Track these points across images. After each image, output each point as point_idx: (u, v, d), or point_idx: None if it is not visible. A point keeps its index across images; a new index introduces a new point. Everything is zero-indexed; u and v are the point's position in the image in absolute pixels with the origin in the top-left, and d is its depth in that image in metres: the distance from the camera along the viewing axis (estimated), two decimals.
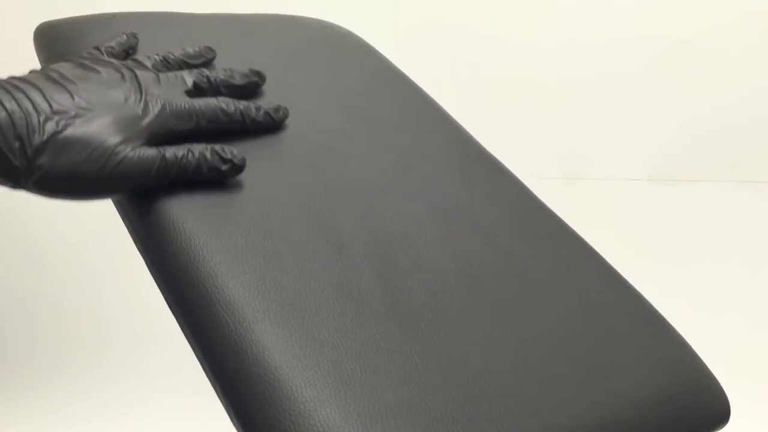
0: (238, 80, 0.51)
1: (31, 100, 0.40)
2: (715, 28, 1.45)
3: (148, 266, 0.43)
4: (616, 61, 1.46)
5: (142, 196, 0.44)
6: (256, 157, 0.49)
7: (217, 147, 0.45)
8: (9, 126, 0.39)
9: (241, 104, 0.49)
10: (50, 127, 0.40)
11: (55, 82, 0.42)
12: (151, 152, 0.43)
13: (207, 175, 0.44)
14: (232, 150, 0.45)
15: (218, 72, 0.51)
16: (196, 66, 0.52)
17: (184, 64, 0.52)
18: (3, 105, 0.39)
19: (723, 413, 0.47)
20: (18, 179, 0.40)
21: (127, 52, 0.51)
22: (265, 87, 0.56)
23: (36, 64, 0.57)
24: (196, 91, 0.49)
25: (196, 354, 0.39)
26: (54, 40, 0.55)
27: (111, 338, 1.50)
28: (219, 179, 0.45)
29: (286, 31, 0.66)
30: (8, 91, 0.40)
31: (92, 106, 0.42)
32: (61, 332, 1.50)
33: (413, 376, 0.39)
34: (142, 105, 0.44)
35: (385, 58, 0.67)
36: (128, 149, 0.42)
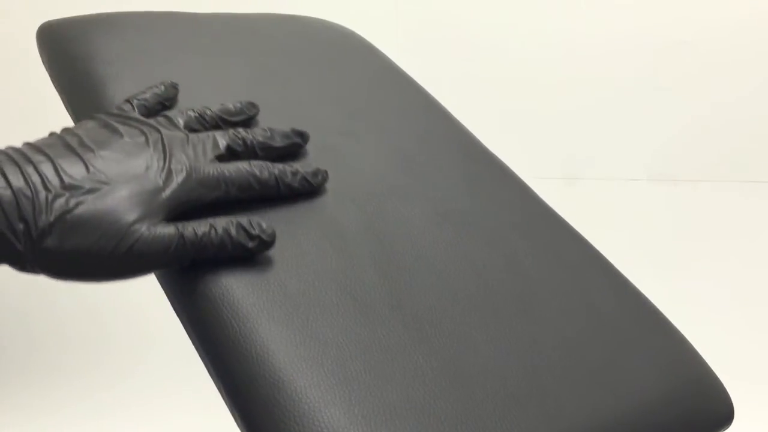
0: (278, 142, 0.47)
1: (40, 175, 0.37)
2: (714, 28, 1.45)
3: None
4: (616, 61, 1.46)
5: None
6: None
7: (244, 221, 0.41)
8: (12, 206, 0.36)
9: (277, 169, 0.45)
10: (59, 205, 0.37)
11: (70, 150, 0.39)
12: (168, 231, 0.39)
13: (231, 253, 0.40)
14: (260, 223, 0.41)
15: (257, 132, 0.46)
16: (234, 123, 0.48)
17: (221, 122, 0.47)
18: (8, 181, 0.36)
19: (727, 414, 0.47)
20: (23, 264, 0.37)
21: (164, 105, 0.48)
22: (266, 87, 0.56)
23: (38, 64, 0.57)
24: (229, 154, 0.44)
25: (200, 354, 0.39)
26: (57, 39, 0.55)
27: (112, 338, 1.50)
28: (245, 256, 0.41)
29: (287, 31, 0.66)
30: (16, 164, 0.37)
31: (108, 179, 0.39)
32: (61, 332, 1.50)
33: (417, 378, 0.38)
34: (164, 174, 0.40)
35: (387, 57, 0.67)
36: (144, 228, 0.38)
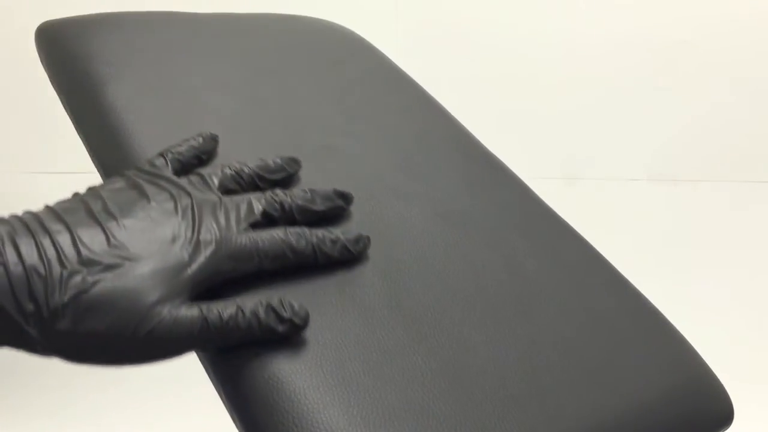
0: (318, 205, 0.43)
1: (56, 248, 0.34)
2: (714, 28, 1.45)
3: None
4: (616, 61, 1.46)
5: None
6: (256, 156, 0.48)
7: (275, 301, 0.37)
8: (23, 284, 0.33)
9: (315, 236, 0.41)
10: (75, 283, 0.34)
11: (92, 218, 0.36)
12: (191, 313, 0.36)
13: (259, 337, 0.37)
14: (292, 305, 0.38)
15: (296, 194, 0.43)
16: (273, 182, 0.45)
17: (259, 180, 0.44)
18: (20, 256, 0.33)
19: (726, 415, 0.47)
20: (33, 346, 0.34)
21: (200, 159, 0.45)
22: (265, 87, 0.56)
23: (37, 64, 0.57)
24: (265, 219, 0.41)
25: (198, 356, 0.39)
26: (55, 39, 0.55)
27: None
28: (274, 340, 0.37)
29: (287, 31, 0.66)
30: (32, 234, 0.34)
31: (130, 254, 0.35)
32: None
33: (417, 379, 0.38)
34: (191, 247, 0.37)
35: (387, 57, 0.67)
36: (165, 310, 0.35)
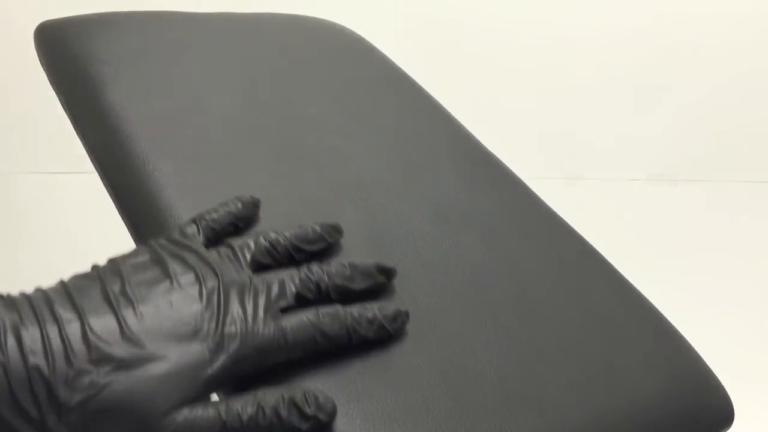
0: (358, 284, 0.39)
1: (64, 340, 0.31)
2: (715, 28, 1.45)
3: None
4: (617, 61, 1.46)
5: (143, 199, 0.44)
6: (257, 158, 0.48)
7: (298, 396, 0.34)
8: (24, 386, 0.29)
9: (350, 317, 0.37)
10: (83, 385, 0.30)
11: (107, 303, 0.33)
12: (208, 415, 0.33)
13: None
14: (317, 398, 0.34)
15: (334, 271, 0.39)
16: (310, 253, 0.41)
17: (296, 252, 0.40)
18: (23, 352, 0.30)
19: (727, 415, 0.47)
20: None
21: (236, 226, 0.42)
22: (266, 87, 0.56)
23: (36, 64, 0.56)
24: (300, 301, 0.37)
25: None
26: (54, 39, 0.55)
27: None
28: None
29: (287, 31, 0.66)
30: (38, 322, 0.31)
31: (145, 350, 0.32)
32: None
33: (416, 380, 0.38)
34: (214, 343, 0.34)
35: (387, 57, 0.67)
36: (181, 416, 0.32)
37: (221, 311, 0.35)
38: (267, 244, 0.39)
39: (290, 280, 0.38)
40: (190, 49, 0.57)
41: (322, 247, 0.41)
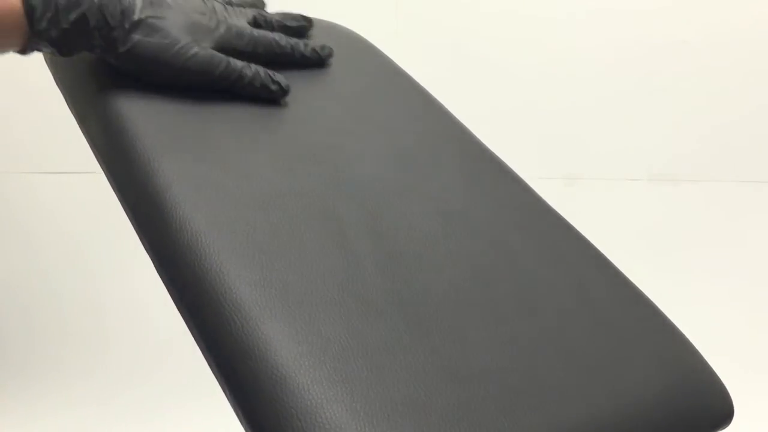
0: (291, 23, 0.61)
1: None
2: (715, 28, 1.45)
3: (154, 265, 0.43)
4: (616, 61, 1.46)
5: (148, 195, 0.44)
6: (261, 156, 0.49)
7: (270, 71, 0.53)
8: (117, 2, 0.47)
9: (293, 41, 0.58)
10: (145, 12, 0.48)
11: None
12: (219, 55, 0.51)
13: (258, 91, 0.53)
14: (281, 77, 0.54)
15: (275, 15, 0.60)
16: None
17: (244, 5, 0.59)
18: None
19: (726, 413, 0.47)
20: (113, 46, 0.48)
21: None
22: None
23: (41, 63, 0.57)
24: (255, 25, 0.57)
25: (202, 352, 0.39)
26: None
27: (114, 338, 1.50)
28: (266, 97, 0.53)
29: None
30: None
31: (177, 6, 0.51)
32: (63, 333, 1.50)
33: (419, 375, 0.39)
34: (215, 21, 0.53)
35: (389, 58, 0.67)
36: (200, 48, 0.51)
37: (215, 9, 0.54)
38: (224, 0, 0.57)
39: (249, 11, 0.58)
40: None
41: (259, 6, 0.61)
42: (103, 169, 0.48)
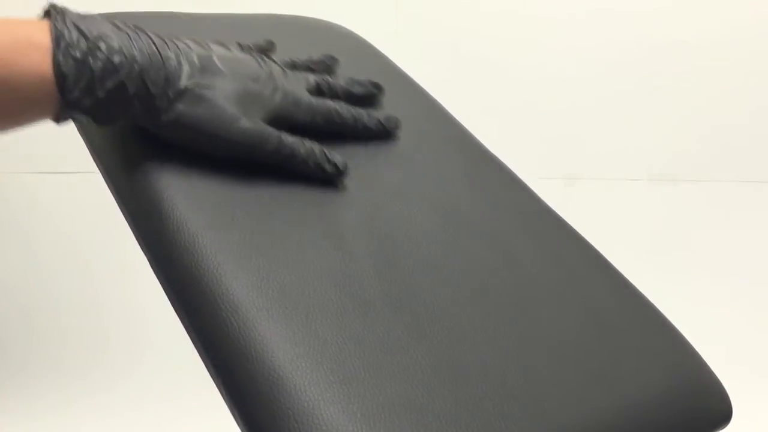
0: (357, 90, 0.54)
1: (184, 54, 0.44)
2: (714, 28, 1.45)
3: (152, 266, 0.43)
4: (616, 61, 1.46)
5: (146, 196, 0.44)
6: None
7: (325, 148, 0.48)
8: (160, 68, 0.42)
9: (355, 110, 0.52)
10: (192, 79, 0.44)
11: (201, 45, 0.46)
12: (271, 132, 0.46)
13: (311, 170, 0.47)
14: (336, 155, 0.48)
15: (339, 79, 0.54)
16: (319, 71, 0.55)
17: (308, 68, 0.55)
18: (159, 52, 0.43)
19: (725, 413, 0.47)
20: (154, 115, 0.43)
21: (261, 50, 0.54)
22: None
23: None
24: (317, 92, 0.52)
25: (199, 353, 0.39)
26: None
27: (111, 338, 1.50)
28: (319, 177, 0.48)
29: (287, 31, 0.66)
30: (166, 43, 0.44)
31: (228, 73, 0.46)
32: (61, 332, 1.50)
33: (416, 376, 0.39)
34: (270, 87, 0.48)
35: (387, 58, 0.67)
36: (250, 122, 0.45)
37: (273, 75, 0.49)
38: (289, 60, 0.54)
39: (311, 76, 0.53)
40: None
41: (324, 68, 0.56)
42: (100, 171, 0.48)
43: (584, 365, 0.44)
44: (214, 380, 0.39)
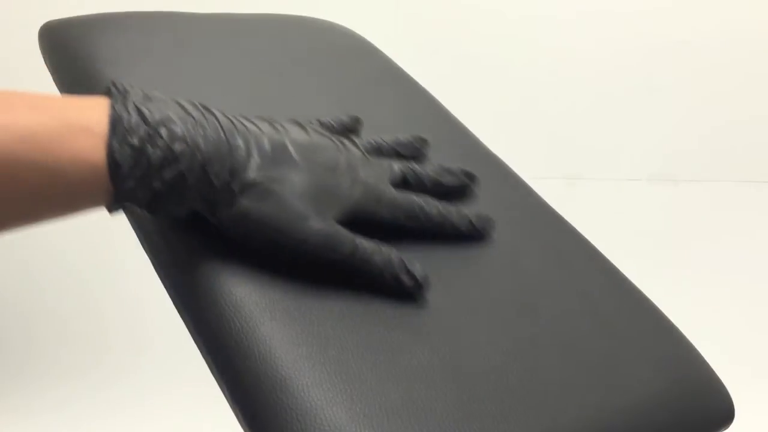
0: (447, 180, 0.49)
1: (255, 139, 0.40)
2: (715, 28, 1.45)
3: (155, 267, 0.43)
4: (616, 61, 1.46)
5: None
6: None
7: (406, 258, 0.42)
8: (226, 157, 0.38)
9: (444, 207, 0.46)
10: (262, 171, 0.39)
11: (275, 128, 0.42)
12: (345, 235, 0.41)
13: (386, 281, 0.42)
14: (417, 266, 0.42)
15: (428, 168, 0.49)
16: (406, 156, 0.50)
17: (394, 153, 0.49)
18: (227, 139, 0.39)
19: (727, 413, 0.47)
20: (214, 208, 0.39)
21: (347, 132, 0.50)
22: (267, 87, 0.56)
23: (40, 64, 0.57)
24: (402, 183, 0.47)
25: (202, 353, 0.39)
26: (58, 40, 0.55)
27: (112, 336, 1.50)
28: (396, 290, 0.42)
29: (288, 31, 0.66)
30: (235, 127, 0.40)
31: (303, 163, 0.41)
32: (61, 330, 1.50)
33: (419, 377, 0.39)
34: (348, 180, 0.43)
35: (389, 57, 0.67)
36: (322, 223, 0.40)
37: (351, 165, 0.43)
38: (374, 143, 0.48)
39: (396, 164, 0.47)
40: (193, 49, 0.58)
41: (414, 153, 0.50)
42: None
43: (585, 365, 0.44)
44: (217, 380, 0.39)
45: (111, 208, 0.38)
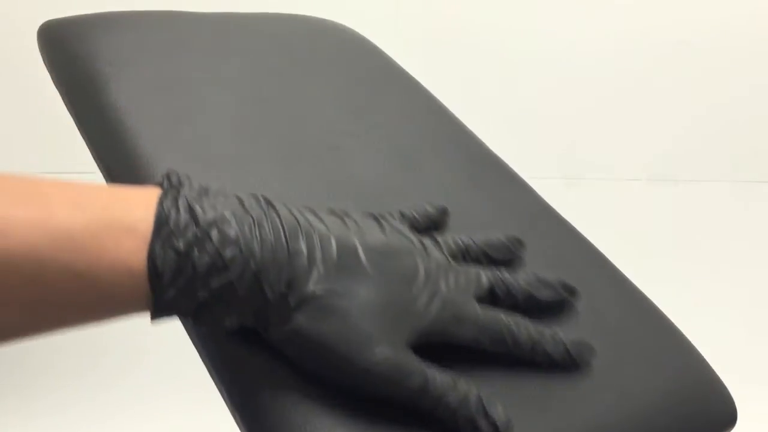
0: (543, 295, 0.42)
1: (320, 243, 0.35)
2: (714, 28, 1.45)
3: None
4: (616, 61, 1.46)
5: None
6: (257, 157, 0.48)
7: (485, 397, 0.35)
8: (284, 267, 0.33)
9: (536, 332, 0.39)
10: (323, 283, 0.34)
11: (347, 226, 0.37)
12: (415, 365, 0.34)
13: (459, 425, 0.35)
14: (499, 410, 0.35)
15: (521, 279, 0.41)
16: (497, 261, 0.44)
17: (484, 257, 0.43)
18: (287, 244, 0.34)
19: (730, 416, 0.47)
20: (268, 325, 0.34)
21: (432, 227, 0.45)
22: (267, 86, 0.56)
23: (39, 64, 0.57)
24: (488, 297, 0.40)
25: (202, 358, 0.39)
26: (57, 39, 0.55)
27: (110, 338, 1.50)
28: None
29: (289, 31, 0.66)
30: (300, 228, 0.35)
31: (375, 273, 0.35)
32: (60, 333, 1.50)
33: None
34: (427, 294, 0.36)
35: (389, 57, 0.67)
36: (390, 349, 0.34)
37: (430, 276, 0.37)
38: (461, 244, 0.42)
39: (485, 275, 0.40)
40: (193, 48, 0.57)
41: (507, 256, 0.44)
42: (100, 170, 0.48)
43: (588, 367, 0.43)
44: (216, 386, 0.39)
45: (152, 317, 0.33)
